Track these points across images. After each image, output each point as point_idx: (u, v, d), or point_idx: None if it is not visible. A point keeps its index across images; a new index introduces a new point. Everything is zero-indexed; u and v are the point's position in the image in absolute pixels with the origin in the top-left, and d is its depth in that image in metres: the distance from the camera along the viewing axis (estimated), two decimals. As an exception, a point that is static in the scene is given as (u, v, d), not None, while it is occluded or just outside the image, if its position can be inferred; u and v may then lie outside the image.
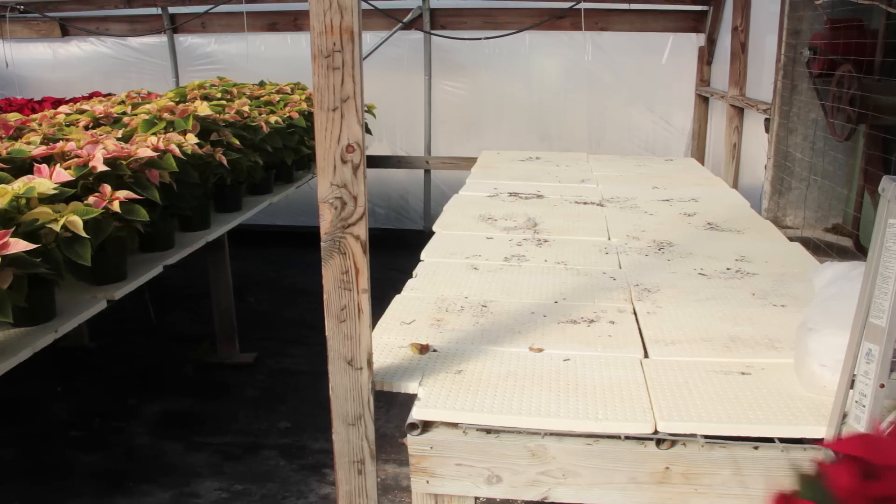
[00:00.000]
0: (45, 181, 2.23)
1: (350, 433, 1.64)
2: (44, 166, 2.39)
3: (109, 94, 5.37)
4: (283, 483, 2.89)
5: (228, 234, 3.47)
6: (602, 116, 5.73)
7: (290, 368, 3.81)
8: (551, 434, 1.54)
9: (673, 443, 1.50)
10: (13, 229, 1.90)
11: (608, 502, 1.54)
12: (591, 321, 2.00)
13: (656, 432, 1.49)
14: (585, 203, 3.23)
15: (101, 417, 3.38)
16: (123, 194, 2.39)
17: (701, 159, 5.19)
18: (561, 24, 5.47)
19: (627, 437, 1.51)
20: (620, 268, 2.43)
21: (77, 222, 2.13)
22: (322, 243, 1.53)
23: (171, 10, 6.28)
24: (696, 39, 5.47)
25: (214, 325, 3.80)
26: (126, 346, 4.12)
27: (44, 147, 2.69)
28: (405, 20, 5.58)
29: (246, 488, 2.87)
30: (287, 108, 4.12)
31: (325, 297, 1.54)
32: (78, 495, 2.85)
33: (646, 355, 1.81)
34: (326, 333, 1.56)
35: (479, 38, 5.49)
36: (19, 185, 2.16)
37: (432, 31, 5.60)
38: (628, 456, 1.51)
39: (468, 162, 4.55)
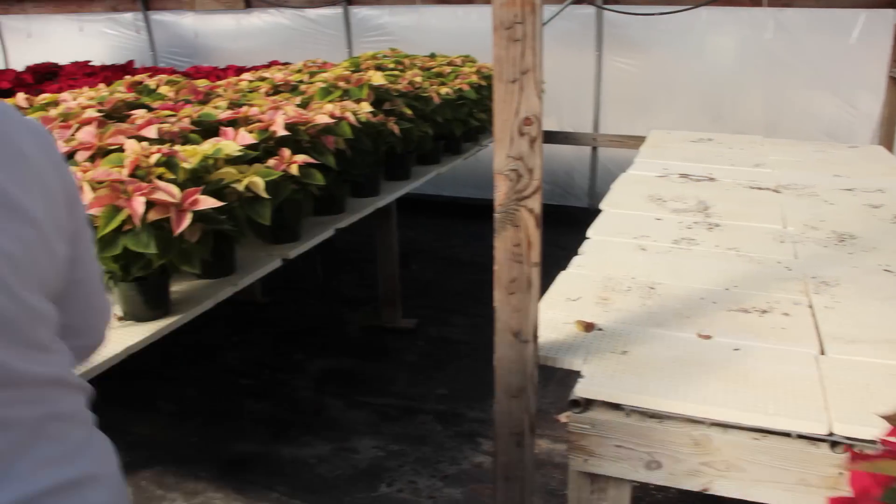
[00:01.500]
0: (230, 143, 2.35)
1: (511, 405, 1.65)
2: (229, 129, 2.53)
3: (287, 63, 5.59)
4: (438, 448, 2.95)
5: (396, 202, 3.55)
6: (780, 99, 5.42)
7: (450, 337, 3.88)
8: (717, 424, 1.49)
9: (849, 447, 1.41)
10: (202, 188, 2.01)
11: (773, 501, 1.47)
12: (764, 311, 1.91)
13: (831, 434, 1.41)
14: (760, 188, 3.08)
15: (269, 369, 3.57)
16: (301, 158, 2.49)
17: (889, 147, 4.83)
18: (741, 0, 5.22)
19: (799, 436, 1.44)
20: (796, 258, 2.30)
21: (259, 183, 2.23)
22: (496, 214, 1.54)
23: (346, -18, 6.46)
24: (893, 16, 5.07)
25: (379, 290, 3.92)
26: (295, 304, 4.32)
27: (229, 112, 2.84)
28: (578, -7, 5.49)
29: (401, 449, 2.95)
30: (457, 80, 4.15)
31: (495, 268, 1.55)
32: (246, 439, 3.04)
33: (822, 352, 1.71)
34: (495, 305, 1.57)
35: (653, 14, 5.32)
36: (208, 147, 2.29)
37: (605, 6, 5.48)
38: (798, 456, 1.43)
39: (636, 141, 4.44)
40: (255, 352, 3.77)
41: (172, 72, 5.05)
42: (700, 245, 2.40)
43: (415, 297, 4.22)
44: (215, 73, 5.30)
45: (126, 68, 6.29)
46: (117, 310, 2.06)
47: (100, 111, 2.72)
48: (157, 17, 7.69)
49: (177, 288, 2.19)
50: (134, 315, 2.03)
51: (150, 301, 2.02)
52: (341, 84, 3.41)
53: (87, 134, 2.29)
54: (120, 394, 3.29)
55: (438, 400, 3.30)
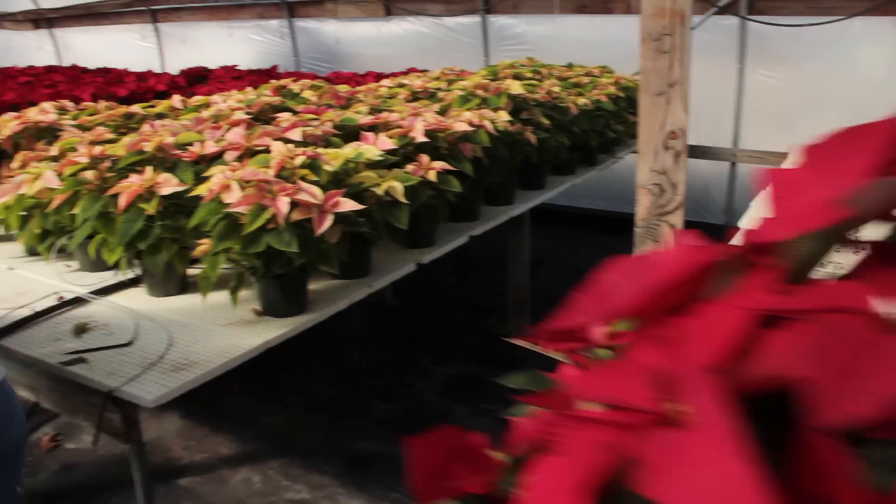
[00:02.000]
0: (371, 148, 2.40)
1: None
2: (370, 134, 2.58)
3: (425, 70, 5.68)
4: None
5: (529, 211, 3.53)
6: (940, 114, 5.08)
7: (575, 349, 3.82)
8: None
9: None
10: (343, 190, 2.06)
11: None
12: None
13: None
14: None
15: (396, 371, 3.62)
16: (439, 165, 2.52)
17: None
18: (897, 10, 4.93)
19: None
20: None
21: (398, 188, 2.27)
22: (636, 229, 1.50)
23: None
24: None
25: (508, 299, 3.91)
26: (423, 309, 4.37)
27: (370, 117, 2.91)
28: (720, 3, 5.32)
29: (524, 460, 2.93)
30: (595, 91, 4.10)
31: (634, 281, 1.51)
32: (370, 437, 3.08)
33: None
34: (632, 318, 1.53)
35: (802, 25, 5.09)
36: (350, 151, 2.34)
37: (749, 17, 5.29)
38: None
39: (778, 158, 4.26)
40: (383, 353, 3.83)
41: (314, 77, 5.22)
42: (844, 268, 2.27)
43: (544, 308, 4.17)
44: (355, 79, 5.44)
45: (270, 72, 6.56)
46: (256, 304, 2.14)
47: (247, 113, 2.83)
48: (301, 24, 7.97)
49: (314, 286, 2.25)
50: (272, 311, 2.10)
51: (288, 298, 2.08)
52: (479, 92, 3.43)
53: (235, 135, 2.39)
54: (253, 385, 3.41)
55: (563, 413, 3.26)
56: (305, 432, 3.15)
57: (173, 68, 8.64)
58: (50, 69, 8.17)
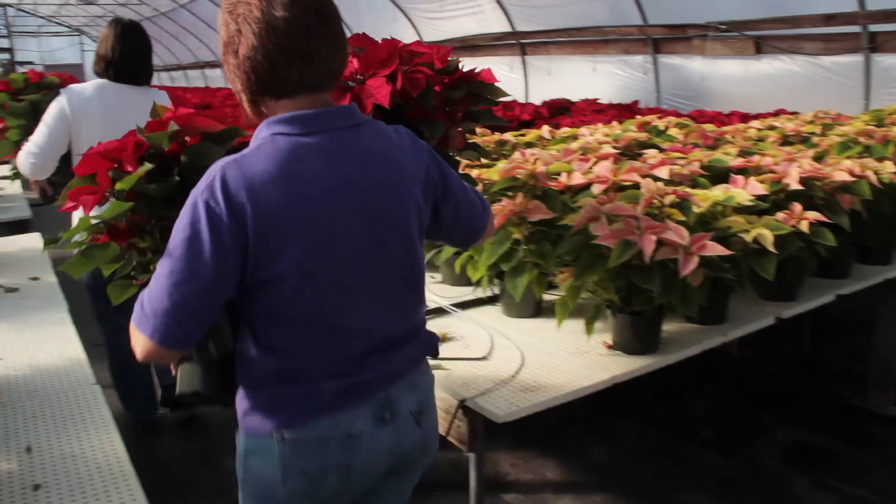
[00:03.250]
0: (741, 192, 2.31)
1: None
2: (739, 177, 2.49)
3: (795, 113, 5.36)
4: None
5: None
6: None
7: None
8: None
9: None
10: (711, 233, 2.00)
11: None
12: None
13: None
14: None
15: (734, 427, 3.43)
16: (813, 215, 2.35)
17: None
18: None
19: None
20: None
21: (767, 236, 2.16)
22: None
23: (872, 27, 5.96)
24: None
25: (870, 368, 3.53)
26: (770, 365, 4.10)
27: (740, 159, 2.80)
28: None
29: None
30: None
31: None
32: (699, 491, 2.95)
33: None
34: None
35: None
36: (719, 193, 2.27)
37: None
38: None
39: None
40: (722, 405, 3.65)
41: (676, 114, 5.16)
42: None
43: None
44: (719, 119, 5.29)
45: (631, 107, 6.60)
46: (608, 338, 2.15)
47: (614, 147, 2.86)
48: (665, 59, 7.93)
49: (667, 327, 2.21)
50: (624, 346, 2.09)
51: (642, 336, 2.06)
52: (862, 139, 3.16)
53: (603, 168, 2.42)
54: (582, 417, 3.43)
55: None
56: (632, 472, 3.10)
57: (536, 98, 9.04)
58: (427, 95, 8.93)
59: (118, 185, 1.37)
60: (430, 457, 1.54)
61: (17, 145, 3.72)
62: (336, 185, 1.30)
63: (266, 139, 1.29)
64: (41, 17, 31.66)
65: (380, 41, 1.92)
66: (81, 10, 26.83)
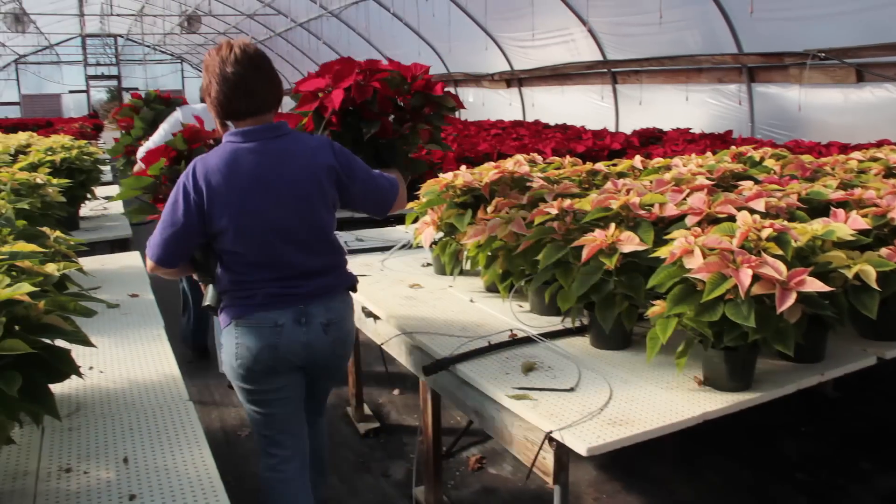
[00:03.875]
0: (842, 226, 2.23)
1: None
2: (840, 211, 2.41)
3: (901, 144, 5.17)
4: None
5: None
6: None
7: None
8: None
9: None
10: (810, 269, 1.94)
11: None
12: None
13: None
14: None
15: (829, 471, 3.29)
16: (921, 252, 2.25)
17: None
18: None
19: None
20: None
21: (870, 272, 2.08)
22: None
23: None
24: None
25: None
26: (869, 407, 3.92)
27: (840, 192, 2.71)
28: None
29: None
30: None
31: None
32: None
33: None
34: None
35: None
36: (819, 227, 2.20)
37: None
38: None
39: None
40: (817, 447, 3.51)
41: (772, 145, 5.04)
42: None
43: None
44: (817, 150, 5.14)
45: (724, 137, 6.47)
46: (699, 373, 2.10)
47: (708, 179, 2.81)
48: (760, 88, 7.76)
49: (761, 364, 2.14)
50: (716, 382, 2.04)
51: (735, 372, 2.01)
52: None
53: (697, 200, 2.38)
54: (670, 452, 3.35)
55: None
56: (720, 512, 3.01)
57: (626, 127, 8.97)
58: (516, 123, 8.97)
59: (150, 170, 2.53)
60: (342, 360, 2.35)
61: (128, 147, 5.79)
62: (258, 173, 2.09)
63: (223, 145, 2.14)
64: (147, 46, 33.21)
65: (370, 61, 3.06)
66: (184, 38, 28.04)
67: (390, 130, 2.96)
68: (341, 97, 2.80)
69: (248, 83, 2.08)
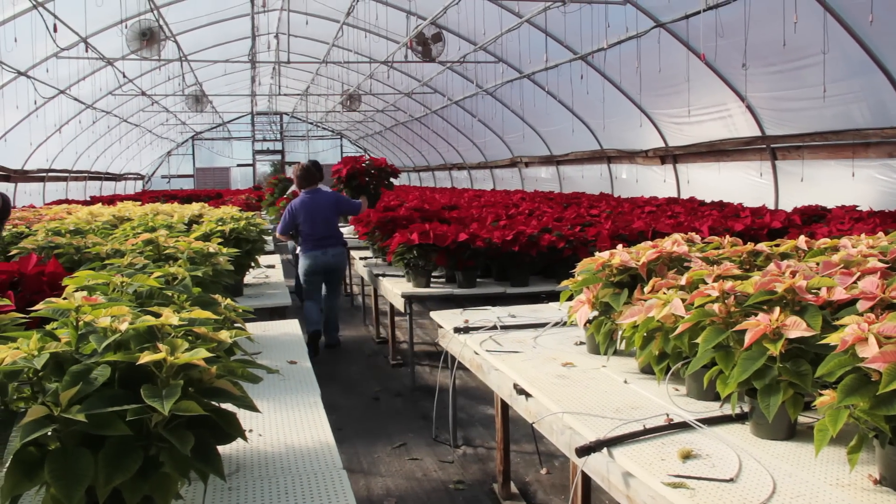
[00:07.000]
0: None
1: None
2: None
3: None
4: None
5: None
6: None
7: None
8: None
9: None
10: None
11: None
12: None
13: None
14: None
15: None
16: None
17: None
18: None
19: None
20: None
21: None
22: None
23: None
24: None
25: None
26: None
27: None
28: None
29: None
30: None
31: None
32: None
33: None
34: None
35: None
36: None
37: None
38: None
39: None
40: None
41: (952, 225, 4.71)
42: None
43: None
44: None
45: (896, 216, 6.11)
46: (874, 471, 1.96)
47: (881, 261, 2.66)
48: (934, 163, 7.32)
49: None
50: (894, 482, 1.90)
51: (913, 472, 1.86)
52: None
53: (870, 284, 2.26)
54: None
55: None
56: None
57: (786, 205, 8.64)
58: (671, 200, 8.82)
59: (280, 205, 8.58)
60: (340, 270, 7.52)
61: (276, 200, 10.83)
62: (310, 205, 7.11)
63: (301, 195, 7.29)
64: (310, 123, 35.22)
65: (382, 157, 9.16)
66: (344, 116, 29.54)
67: (364, 184, 9.09)
68: (344, 171, 9.09)
69: (307, 176, 7.25)
